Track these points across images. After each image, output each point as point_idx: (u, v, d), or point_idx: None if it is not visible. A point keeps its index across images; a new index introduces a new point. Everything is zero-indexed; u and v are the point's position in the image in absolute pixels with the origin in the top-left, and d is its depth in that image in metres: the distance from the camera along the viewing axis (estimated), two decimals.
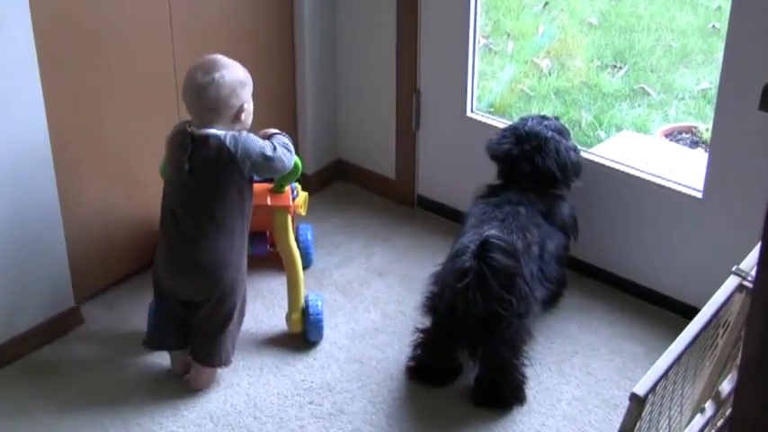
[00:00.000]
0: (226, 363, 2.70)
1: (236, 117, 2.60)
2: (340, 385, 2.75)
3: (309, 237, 3.16)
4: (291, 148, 2.67)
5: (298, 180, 2.82)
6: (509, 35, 4.41)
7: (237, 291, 2.65)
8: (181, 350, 2.75)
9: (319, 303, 2.85)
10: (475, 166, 3.22)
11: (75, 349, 2.86)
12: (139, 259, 3.11)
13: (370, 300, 3.07)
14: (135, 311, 2.98)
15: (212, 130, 2.56)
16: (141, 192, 3.03)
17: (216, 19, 3.08)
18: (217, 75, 2.56)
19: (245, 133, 2.59)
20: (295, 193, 2.88)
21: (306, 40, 3.32)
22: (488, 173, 3.19)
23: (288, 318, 2.87)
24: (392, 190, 3.51)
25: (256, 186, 2.68)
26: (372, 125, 3.48)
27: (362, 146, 3.55)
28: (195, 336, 2.69)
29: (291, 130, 3.44)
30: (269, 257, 3.01)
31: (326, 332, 2.90)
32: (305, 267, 2.97)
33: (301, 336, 2.87)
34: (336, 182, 3.61)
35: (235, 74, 2.59)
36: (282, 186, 2.80)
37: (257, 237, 2.94)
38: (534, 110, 3.94)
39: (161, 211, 2.66)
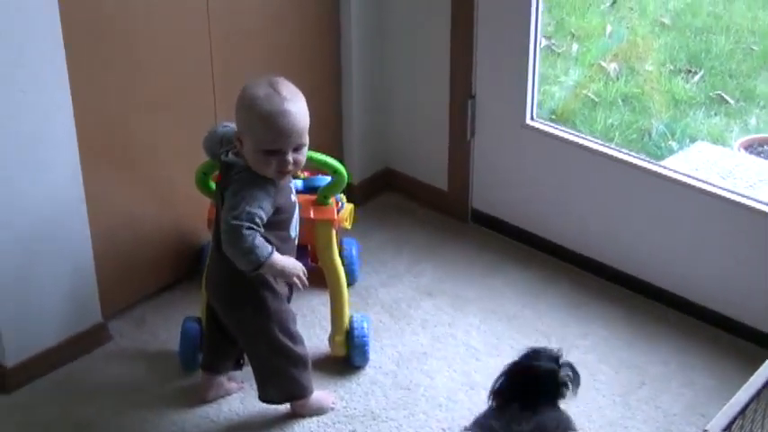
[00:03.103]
0: (273, 401, 2.72)
1: (239, 144, 2.51)
2: (385, 414, 2.77)
3: (354, 252, 3.17)
4: (250, 247, 2.45)
5: (343, 191, 2.84)
6: (573, 35, 4.40)
7: (252, 320, 2.62)
8: (218, 374, 2.80)
9: (365, 325, 2.86)
10: (534, 179, 3.28)
11: (101, 367, 2.91)
12: (170, 274, 3.17)
13: (419, 321, 3.08)
14: (165, 329, 3.03)
15: (236, 159, 2.53)
16: (173, 202, 3.08)
17: (258, 16, 3.10)
18: (245, 86, 2.51)
19: (251, 185, 2.47)
20: (340, 205, 2.89)
21: (353, 39, 3.35)
22: (548, 186, 3.23)
23: (331, 340, 2.89)
24: (444, 202, 3.51)
25: (299, 198, 2.68)
26: (424, 132, 3.49)
27: (413, 154, 3.56)
28: None
29: (337, 135, 3.47)
30: (311, 274, 2.96)
31: (371, 356, 2.91)
32: (349, 285, 2.97)
33: (345, 359, 2.89)
34: (384, 193, 3.62)
35: (246, 98, 2.48)
36: (327, 198, 2.81)
37: (298, 251, 2.95)
38: (599, 117, 3.94)
39: None
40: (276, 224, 2.53)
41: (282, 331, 2.63)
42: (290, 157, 2.48)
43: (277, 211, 2.52)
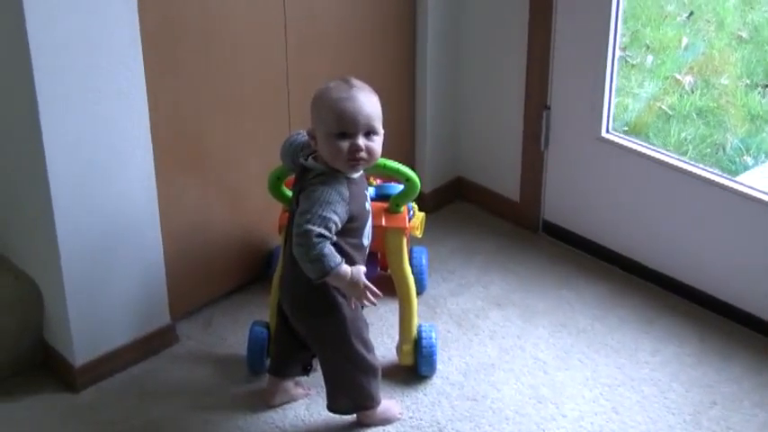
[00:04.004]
0: (342, 411, 2.72)
1: (312, 145, 2.53)
2: (451, 425, 2.76)
3: (424, 261, 3.17)
4: (315, 257, 2.43)
5: (415, 199, 2.83)
6: (648, 47, 4.37)
7: (328, 327, 2.62)
8: (287, 379, 2.81)
9: (433, 335, 2.85)
10: (608, 192, 3.27)
11: (168, 369, 2.94)
12: (239, 277, 3.18)
13: (487, 332, 3.07)
14: (232, 332, 3.05)
15: (314, 164, 2.52)
16: (244, 206, 3.09)
17: (334, 22, 3.12)
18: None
19: (326, 189, 2.46)
20: (411, 213, 2.90)
21: (428, 47, 3.36)
22: (621, 200, 3.22)
23: (398, 349, 2.89)
24: (515, 213, 3.51)
25: (371, 205, 2.67)
26: (497, 142, 3.48)
27: (485, 164, 3.55)
28: None
29: (409, 143, 3.48)
30: (379, 281, 2.93)
31: (439, 366, 2.91)
32: (418, 293, 2.95)
33: (411, 368, 2.89)
34: (455, 202, 3.63)
35: (317, 92, 2.52)
36: (399, 206, 2.81)
37: (368, 258, 2.95)
38: (673, 131, 3.91)
39: None
40: (349, 231, 2.52)
41: (357, 339, 2.63)
42: (362, 142, 2.46)
43: (351, 218, 2.51)
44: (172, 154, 2.86)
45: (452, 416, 2.79)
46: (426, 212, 3.08)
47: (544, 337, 3.05)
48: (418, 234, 2.96)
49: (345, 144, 2.46)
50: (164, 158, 2.82)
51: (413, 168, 2.85)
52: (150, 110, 2.73)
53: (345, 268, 2.47)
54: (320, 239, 2.42)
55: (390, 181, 2.87)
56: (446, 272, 3.30)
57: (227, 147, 3.00)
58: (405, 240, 2.85)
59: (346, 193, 2.49)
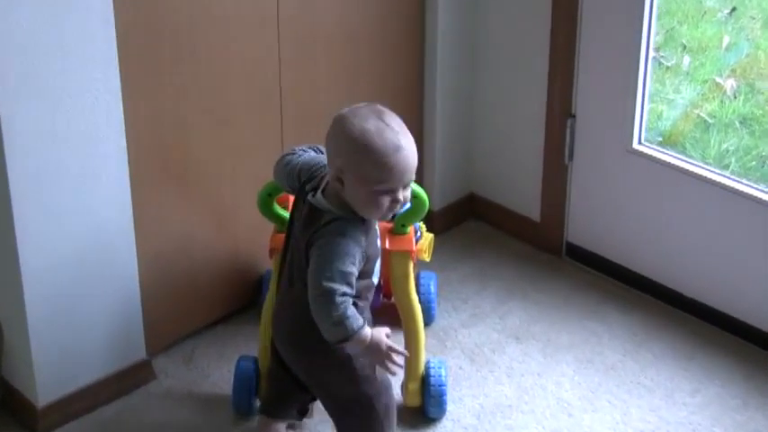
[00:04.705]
0: None
1: (332, 185, 2.43)
2: None
3: (433, 288, 3.14)
4: (345, 323, 2.36)
5: (423, 219, 2.77)
6: (685, 47, 4.33)
7: (333, 371, 2.54)
8: (278, 421, 2.72)
9: (443, 372, 2.81)
10: (639, 210, 3.29)
11: (143, 409, 2.88)
12: (224, 306, 3.14)
13: (504, 369, 3.02)
14: (217, 368, 3.00)
15: (326, 204, 2.42)
16: (231, 227, 3.05)
17: (333, 30, 3.09)
18: (343, 115, 2.40)
19: (344, 240, 2.38)
20: (418, 234, 2.85)
21: (438, 48, 3.33)
22: (655, 220, 3.22)
23: (403, 387, 2.84)
24: (535, 234, 3.47)
25: None
26: (515, 155, 3.45)
27: (501, 179, 3.52)
28: None
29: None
30: (382, 310, 2.94)
31: (449, 407, 2.86)
32: (426, 324, 2.92)
33: (418, 410, 2.84)
34: (467, 221, 3.61)
35: (351, 131, 2.37)
36: (405, 226, 2.76)
37: None
38: (713, 141, 3.80)
39: None
40: (361, 274, 2.47)
41: (367, 382, 2.55)
42: (401, 195, 2.42)
43: (366, 260, 2.46)
44: (150, 168, 2.82)
45: None
46: (435, 233, 3.05)
47: (568, 375, 3.01)
48: (426, 258, 2.92)
49: (386, 199, 2.40)
50: (141, 173, 2.78)
51: (420, 184, 2.79)
52: (126, 118, 2.69)
53: (367, 331, 2.40)
54: (343, 299, 2.37)
55: None
56: (458, 300, 3.27)
57: (213, 159, 2.96)
58: (411, 265, 2.80)
59: (363, 238, 2.43)
